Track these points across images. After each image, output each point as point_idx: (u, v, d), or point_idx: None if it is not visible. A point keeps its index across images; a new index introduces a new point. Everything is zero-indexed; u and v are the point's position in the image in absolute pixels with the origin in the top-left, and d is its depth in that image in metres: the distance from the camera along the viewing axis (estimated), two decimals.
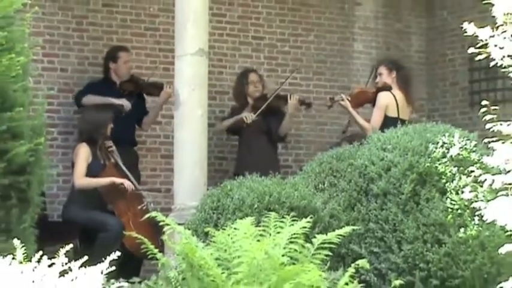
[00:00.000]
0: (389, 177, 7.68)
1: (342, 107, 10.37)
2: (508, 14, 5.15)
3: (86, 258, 4.42)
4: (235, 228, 5.32)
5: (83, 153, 9.58)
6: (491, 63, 5.25)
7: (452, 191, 7.54)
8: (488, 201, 5.40)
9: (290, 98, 10.71)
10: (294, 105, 10.77)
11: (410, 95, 10.31)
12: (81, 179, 9.52)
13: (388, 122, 9.51)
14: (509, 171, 5.19)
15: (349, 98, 10.32)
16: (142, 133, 10.67)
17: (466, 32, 5.20)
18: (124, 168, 9.82)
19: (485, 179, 5.29)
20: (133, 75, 10.51)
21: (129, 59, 10.52)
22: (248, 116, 10.58)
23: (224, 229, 5.40)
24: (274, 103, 10.70)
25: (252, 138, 10.67)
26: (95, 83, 10.44)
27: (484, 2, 5.21)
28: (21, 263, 4.24)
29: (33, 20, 6.51)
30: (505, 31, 5.18)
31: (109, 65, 10.45)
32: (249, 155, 10.57)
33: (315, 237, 5.37)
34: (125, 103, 10.27)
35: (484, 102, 5.24)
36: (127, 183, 9.66)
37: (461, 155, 7.69)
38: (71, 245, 4.44)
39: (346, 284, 5.15)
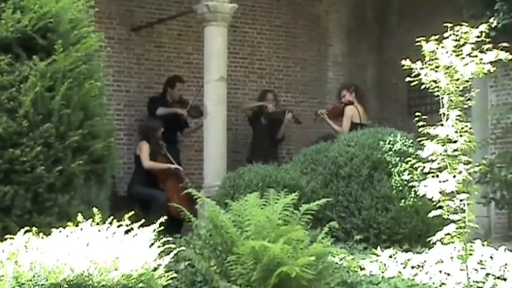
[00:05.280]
0: (352, 165, 7.68)
1: (322, 119, 10.46)
2: (431, 52, 5.17)
3: (143, 221, 4.42)
4: (246, 200, 5.32)
5: (145, 147, 9.75)
6: (422, 86, 5.28)
7: (396, 174, 7.55)
8: (421, 181, 5.40)
9: (287, 114, 10.72)
10: (288, 120, 10.79)
11: (366, 107, 10.41)
12: (148, 163, 9.68)
13: (354, 126, 9.59)
14: (434, 161, 5.20)
15: (327, 112, 10.42)
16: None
17: (404, 65, 5.24)
18: (171, 157, 9.90)
19: (419, 166, 5.30)
20: (181, 97, 10.47)
21: (182, 87, 10.48)
22: (269, 107, 10.64)
23: (238, 201, 5.41)
24: (277, 115, 10.69)
25: (260, 136, 10.72)
26: (156, 97, 10.41)
27: (417, 44, 5.23)
28: (98, 224, 4.25)
29: (106, 57, 6.48)
30: (430, 64, 5.20)
31: (167, 88, 10.41)
32: (257, 148, 10.61)
33: (301, 206, 5.36)
34: (184, 112, 10.25)
35: (417, 113, 5.25)
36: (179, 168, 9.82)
37: (402, 149, 7.69)
38: (133, 212, 4.43)
39: (323, 238, 5.15)
